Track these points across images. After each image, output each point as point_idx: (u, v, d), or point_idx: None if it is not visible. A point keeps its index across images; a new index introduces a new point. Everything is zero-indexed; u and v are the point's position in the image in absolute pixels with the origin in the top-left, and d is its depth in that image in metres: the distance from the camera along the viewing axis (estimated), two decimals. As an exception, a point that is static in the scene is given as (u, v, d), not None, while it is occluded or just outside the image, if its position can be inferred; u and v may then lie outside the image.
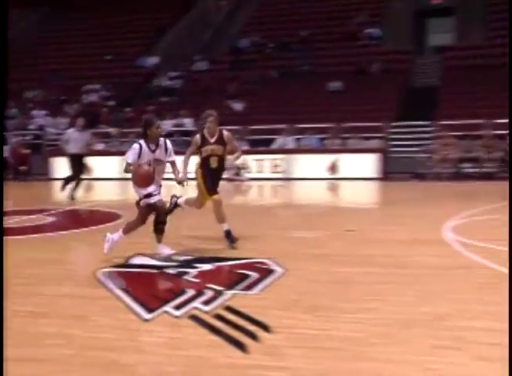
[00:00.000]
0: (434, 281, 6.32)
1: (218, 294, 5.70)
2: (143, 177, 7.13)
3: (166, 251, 7.46)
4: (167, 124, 21.51)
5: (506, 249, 7.31)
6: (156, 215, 7.52)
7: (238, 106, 24.10)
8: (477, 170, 18.89)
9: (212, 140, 8.38)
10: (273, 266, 6.71)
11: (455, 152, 19.04)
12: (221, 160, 8.44)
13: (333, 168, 19.55)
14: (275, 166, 20.24)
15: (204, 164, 8.37)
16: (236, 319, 4.87)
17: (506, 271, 6.30)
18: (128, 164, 7.21)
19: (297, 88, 23.97)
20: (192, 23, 32.77)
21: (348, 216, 11.58)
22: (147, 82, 28.68)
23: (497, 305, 5.24)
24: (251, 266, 6.71)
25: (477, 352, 4.20)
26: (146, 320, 4.91)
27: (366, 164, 19.19)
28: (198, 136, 8.49)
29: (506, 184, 14.96)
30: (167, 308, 5.21)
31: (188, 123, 22.57)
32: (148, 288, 6.14)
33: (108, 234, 7.46)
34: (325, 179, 19.33)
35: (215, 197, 8.25)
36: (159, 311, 5.13)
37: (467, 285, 6.09)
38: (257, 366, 3.97)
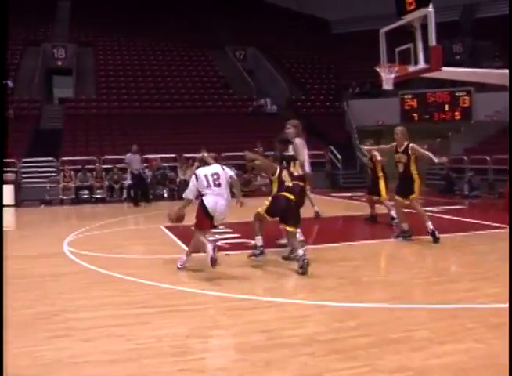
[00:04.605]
0: (51, 286, 6.79)
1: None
2: None
3: None
4: None
5: (107, 255, 8.64)
6: None
7: None
8: (91, 196, 20.15)
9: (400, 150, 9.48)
10: None
11: (74, 182, 19.91)
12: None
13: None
14: None
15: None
16: None
17: (106, 272, 7.34)
18: None
19: None
20: None
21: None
22: None
23: (102, 299, 6.03)
24: None
25: (83, 336, 4.86)
26: None
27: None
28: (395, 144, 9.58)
29: (116, 205, 17.60)
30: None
31: None
32: None
33: None
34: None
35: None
36: None
37: (75, 286, 6.74)
38: None
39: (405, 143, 9.55)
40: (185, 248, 9.11)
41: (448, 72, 12.67)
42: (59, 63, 31.15)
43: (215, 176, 7.73)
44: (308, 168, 8.94)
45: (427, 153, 9.49)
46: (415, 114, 26.17)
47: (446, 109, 25.76)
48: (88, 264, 8.03)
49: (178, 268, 7.72)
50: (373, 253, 8.80)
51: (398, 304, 5.72)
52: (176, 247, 9.39)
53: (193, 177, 7.76)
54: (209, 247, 7.21)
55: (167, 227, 11.75)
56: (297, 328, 5.02)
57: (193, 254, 8.47)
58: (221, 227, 11.15)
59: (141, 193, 18.57)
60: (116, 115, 25.91)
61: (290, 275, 7.59)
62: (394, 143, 9.74)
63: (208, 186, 7.63)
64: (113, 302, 6.01)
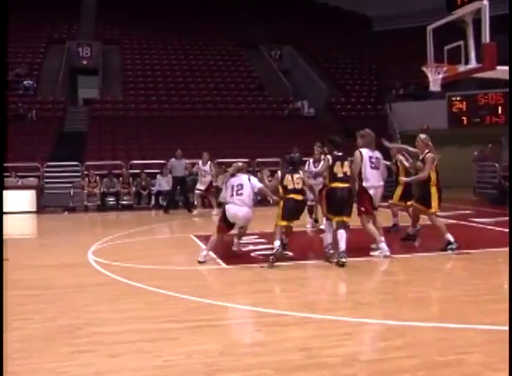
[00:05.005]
0: (74, 297, 6.85)
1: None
2: None
3: None
4: None
5: (134, 266, 8.66)
6: None
7: None
8: (117, 202, 20.30)
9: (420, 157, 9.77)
10: None
11: (99, 187, 20.01)
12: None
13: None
14: None
15: None
16: None
17: (134, 283, 7.40)
18: None
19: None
20: None
21: (5, 247, 10.10)
22: None
23: (129, 312, 6.05)
24: None
25: (109, 351, 4.86)
26: None
27: (24, 199, 19.11)
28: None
29: (144, 213, 17.83)
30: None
31: None
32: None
33: None
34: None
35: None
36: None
37: (102, 298, 6.80)
38: None
39: (426, 151, 9.64)
40: (217, 259, 9.22)
41: (504, 71, 12.41)
42: (84, 62, 31.76)
43: (239, 186, 9.16)
44: (366, 182, 9.23)
45: (425, 168, 9.53)
46: (464, 118, 25.84)
47: (499, 111, 25.38)
48: (115, 275, 8.09)
49: (199, 262, 8.93)
50: (419, 267, 8.67)
51: (447, 323, 5.61)
52: (207, 258, 9.39)
53: (225, 184, 9.66)
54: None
55: (197, 236, 11.81)
56: (338, 347, 4.97)
57: (226, 266, 8.55)
58: (256, 237, 11.25)
59: (183, 200, 18.96)
60: (144, 117, 26.18)
61: (329, 289, 7.55)
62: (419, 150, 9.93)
63: (231, 195, 9.15)
64: (141, 316, 6.02)
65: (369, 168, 9.22)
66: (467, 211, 16.10)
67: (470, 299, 6.57)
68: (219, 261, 9.19)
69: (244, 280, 7.81)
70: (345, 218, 8.81)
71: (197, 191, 17.38)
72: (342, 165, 8.87)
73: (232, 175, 9.45)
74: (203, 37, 33.71)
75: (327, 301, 6.80)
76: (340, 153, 9.00)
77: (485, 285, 7.22)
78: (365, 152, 9.26)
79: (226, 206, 9.17)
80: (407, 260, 9.24)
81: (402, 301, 6.58)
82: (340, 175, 8.80)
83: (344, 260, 8.43)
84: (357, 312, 6.11)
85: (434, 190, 9.52)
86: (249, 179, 9.28)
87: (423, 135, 9.85)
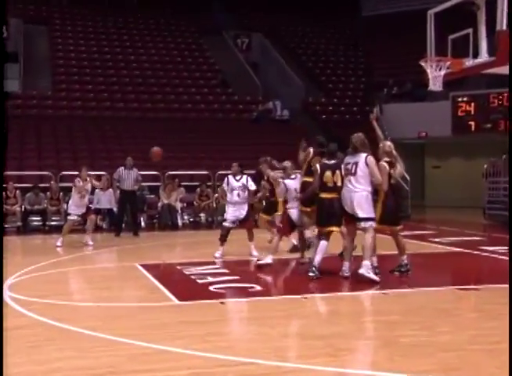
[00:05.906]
0: None
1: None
2: None
3: None
4: None
5: (64, 303, 8.61)
6: None
7: None
8: (43, 223, 20.05)
9: None
10: None
11: (20, 204, 19.65)
12: None
13: None
14: None
15: None
16: None
17: (62, 325, 7.30)
18: None
19: None
20: None
21: None
22: None
23: (55, 363, 5.91)
24: None
25: None
26: None
27: None
28: None
29: (77, 236, 17.58)
30: None
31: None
32: None
33: None
34: None
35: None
36: None
37: (19, 346, 6.53)
38: None
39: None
40: (168, 293, 9.17)
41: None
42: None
43: (296, 190, 11.46)
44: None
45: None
46: (472, 123, 26.03)
47: (516, 115, 25.63)
48: (37, 315, 7.95)
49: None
50: (416, 306, 8.69)
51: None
52: (155, 293, 9.34)
53: (283, 185, 11.74)
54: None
55: (144, 266, 11.73)
56: (316, 404, 4.97)
57: (178, 303, 8.52)
58: (215, 267, 11.23)
59: (131, 220, 18.82)
60: (79, 117, 26.10)
61: (303, 332, 7.53)
62: None
63: (294, 197, 11.43)
64: (71, 367, 5.91)
65: (345, 175, 9.92)
66: (476, 238, 16.25)
67: (481, 347, 6.55)
68: (170, 296, 9.13)
69: (200, 320, 7.75)
70: (334, 229, 10.16)
71: (73, 217, 16.37)
72: (333, 174, 10.02)
73: (289, 177, 11.77)
74: (153, 19, 33.71)
75: (301, 347, 6.79)
76: (331, 162, 10.21)
77: (499, 330, 7.19)
78: (346, 159, 10.03)
79: (291, 210, 11.42)
80: (402, 296, 9.30)
81: (393, 348, 6.56)
82: (330, 184, 9.93)
83: (312, 274, 9.88)
84: (338, 360, 6.11)
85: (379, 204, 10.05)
86: None
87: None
